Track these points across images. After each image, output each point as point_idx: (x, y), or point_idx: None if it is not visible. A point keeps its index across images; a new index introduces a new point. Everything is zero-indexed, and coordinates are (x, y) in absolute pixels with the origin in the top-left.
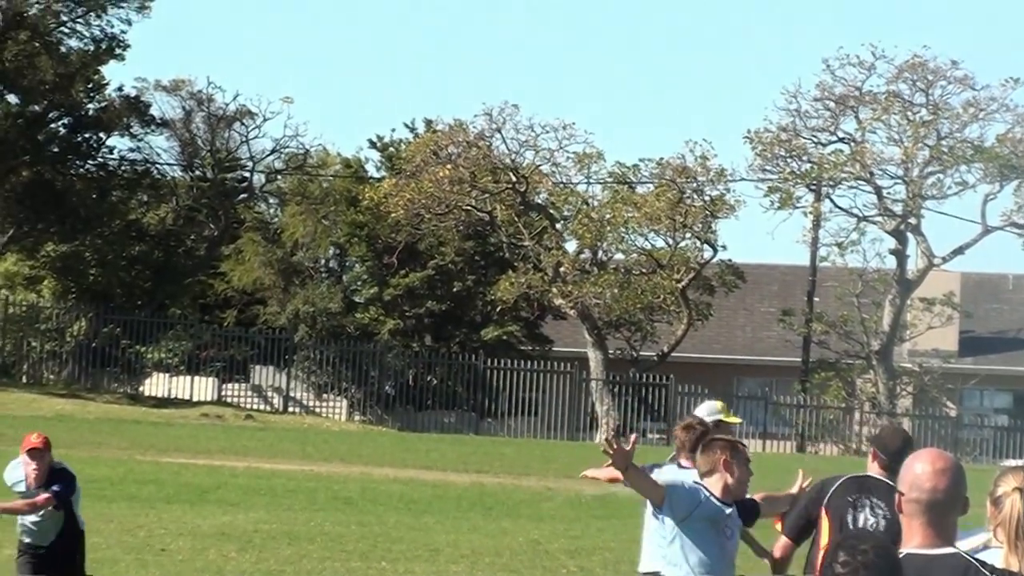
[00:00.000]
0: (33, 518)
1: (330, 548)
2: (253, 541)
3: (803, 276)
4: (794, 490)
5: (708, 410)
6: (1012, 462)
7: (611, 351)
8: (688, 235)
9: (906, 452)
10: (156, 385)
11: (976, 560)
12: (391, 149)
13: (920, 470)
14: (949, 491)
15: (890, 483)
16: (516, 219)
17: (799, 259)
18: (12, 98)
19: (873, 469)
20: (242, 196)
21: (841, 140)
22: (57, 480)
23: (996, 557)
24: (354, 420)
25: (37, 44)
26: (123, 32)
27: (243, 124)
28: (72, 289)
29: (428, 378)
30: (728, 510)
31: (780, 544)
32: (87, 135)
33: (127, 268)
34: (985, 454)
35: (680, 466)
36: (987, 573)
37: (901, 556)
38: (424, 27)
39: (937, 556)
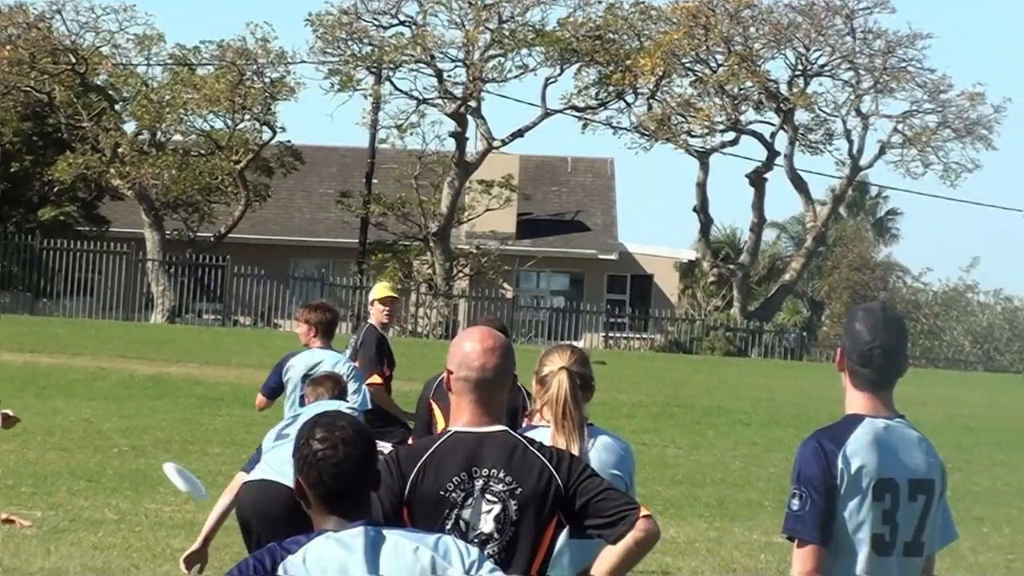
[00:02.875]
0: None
1: None
2: None
3: (362, 158)
4: None
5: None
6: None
7: (168, 232)
8: (247, 117)
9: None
10: None
11: (524, 438)
12: None
13: (469, 348)
14: (498, 369)
15: None
16: (75, 100)
17: (359, 141)
18: None
19: None
20: None
21: (403, 23)
22: None
23: (544, 435)
24: None
25: None
26: None
27: None
28: None
29: None
30: None
31: None
32: None
33: None
34: (540, 335)
35: None
36: (534, 451)
37: (449, 434)
38: None
39: (487, 434)
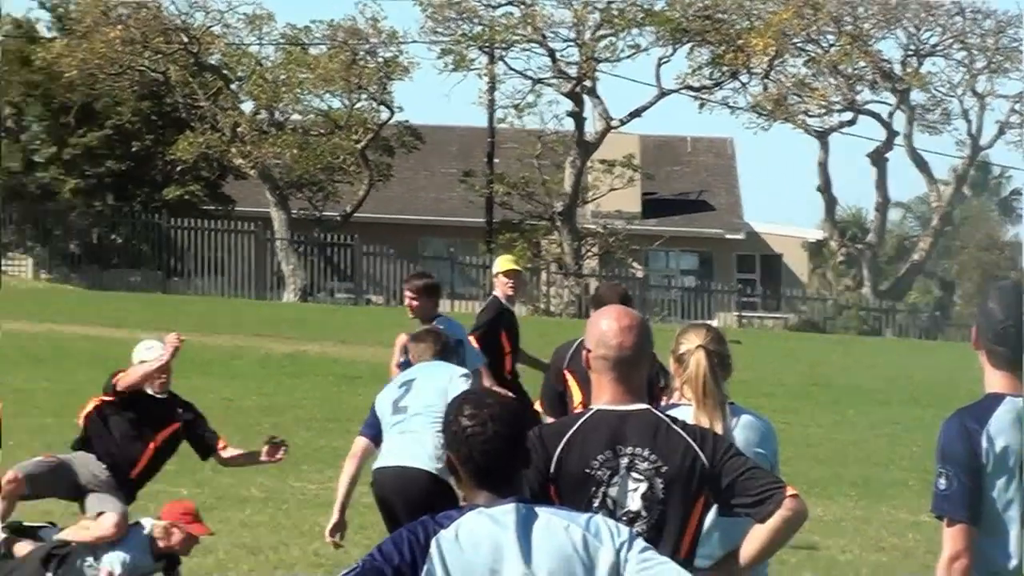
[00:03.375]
0: None
1: (22, 404)
2: None
3: (481, 137)
4: None
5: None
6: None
7: (294, 211)
8: (364, 96)
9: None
10: None
11: (667, 416)
12: (60, 9)
13: (606, 327)
14: (635, 347)
15: None
16: (191, 80)
17: (477, 120)
18: None
19: None
20: None
21: (511, 3)
22: None
23: (685, 413)
24: (41, 278)
25: None
26: None
27: None
28: None
29: (113, 237)
30: None
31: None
32: None
33: None
34: (673, 315)
35: None
36: (678, 429)
37: (592, 411)
38: None
39: (629, 412)
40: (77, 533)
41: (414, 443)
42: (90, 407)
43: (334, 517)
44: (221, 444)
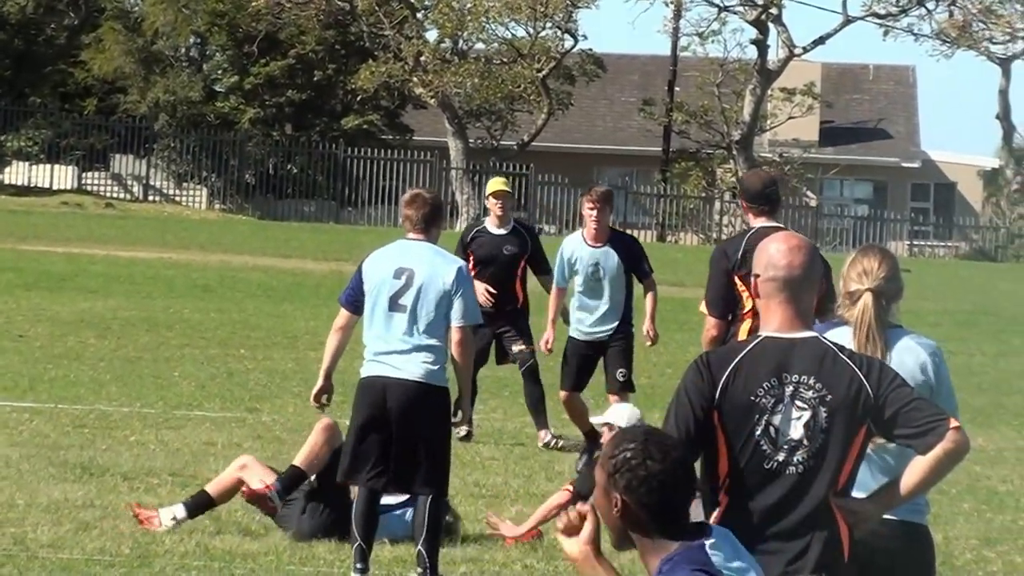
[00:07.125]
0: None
1: (189, 335)
2: (112, 328)
3: (664, 66)
4: None
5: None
6: None
7: (472, 140)
8: (549, 25)
9: (770, 190)
10: (16, 174)
11: (835, 345)
12: None
13: (775, 249)
14: (805, 267)
15: (780, 225)
16: (377, 8)
17: (660, 49)
18: None
19: (755, 221)
20: None
21: None
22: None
23: (844, 335)
24: (214, 208)
25: None
26: None
27: None
28: None
29: (288, 167)
30: None
31: (713, 324)
32: None
33: None
34: (845, 244)
35: None
36: (845, 358)
37: (760, 339)
38: None
39: (796, 340)
40: None
41: (392, 350)
42: None
43: (320, 383)
44: None
